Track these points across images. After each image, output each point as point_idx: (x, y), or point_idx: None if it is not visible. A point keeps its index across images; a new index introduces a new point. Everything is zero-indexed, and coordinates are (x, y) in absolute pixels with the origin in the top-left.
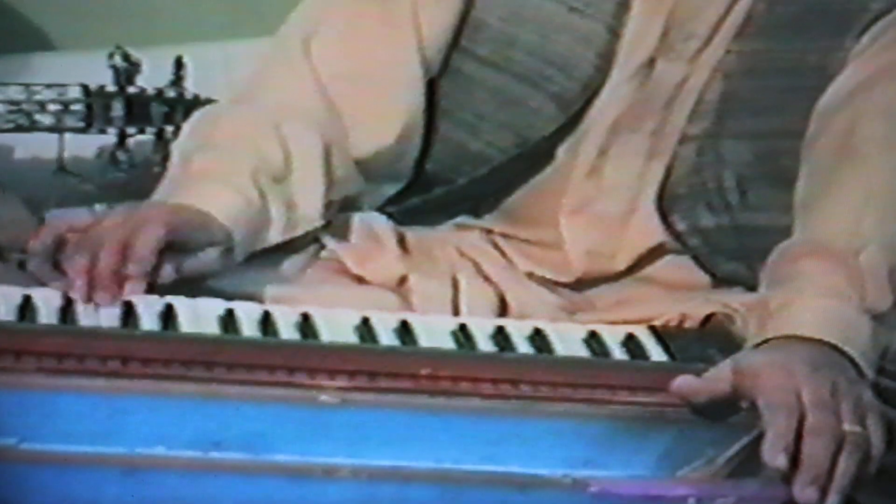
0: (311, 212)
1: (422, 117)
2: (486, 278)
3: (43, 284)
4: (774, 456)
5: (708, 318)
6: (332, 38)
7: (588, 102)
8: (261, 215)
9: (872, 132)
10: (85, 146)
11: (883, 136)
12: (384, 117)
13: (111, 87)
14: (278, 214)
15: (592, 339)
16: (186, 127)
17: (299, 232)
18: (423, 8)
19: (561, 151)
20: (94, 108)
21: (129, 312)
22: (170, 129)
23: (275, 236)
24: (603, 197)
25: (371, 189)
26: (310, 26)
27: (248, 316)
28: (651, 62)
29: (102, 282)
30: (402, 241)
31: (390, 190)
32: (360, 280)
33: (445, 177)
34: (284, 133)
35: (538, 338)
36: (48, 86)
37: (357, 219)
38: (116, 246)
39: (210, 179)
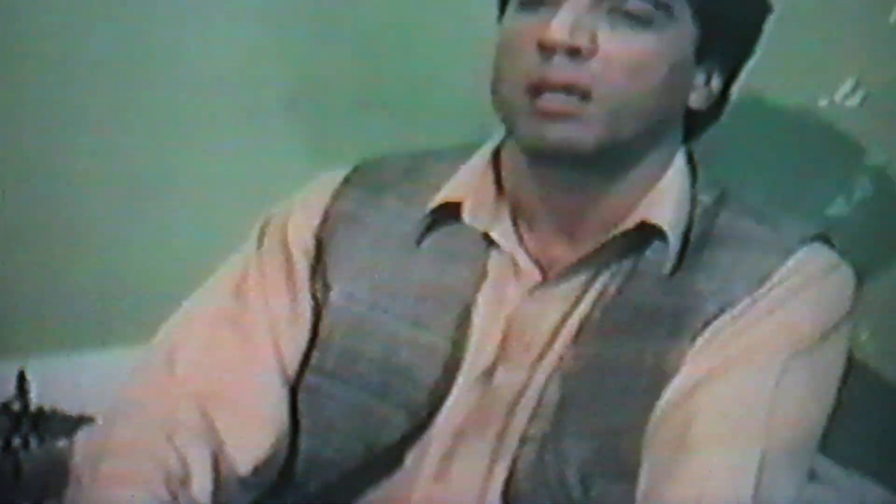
0: None
1: (288, 431)
2: None
3: None
4: None
5: None
6: (193, 361)
7: (434, 409)
8: None
9: (707, 429)
10: None
11: (718, 434)
12: (255, 436)
13: None
14: None
15: None
16: (83, 435)
17: None
18: (279, 330)
19: (409, 456)
20: None
21: None
22: (17, 440)
23: None
24: (450, 498)
25: (246, 498)
26: (172, 348)
27: None
28: (492, 370)
29: None
30: None
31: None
32: None
33: (297, 483)
34: (177, 444)
35: None
36: None
37: None
38: None
39: (123, 484)
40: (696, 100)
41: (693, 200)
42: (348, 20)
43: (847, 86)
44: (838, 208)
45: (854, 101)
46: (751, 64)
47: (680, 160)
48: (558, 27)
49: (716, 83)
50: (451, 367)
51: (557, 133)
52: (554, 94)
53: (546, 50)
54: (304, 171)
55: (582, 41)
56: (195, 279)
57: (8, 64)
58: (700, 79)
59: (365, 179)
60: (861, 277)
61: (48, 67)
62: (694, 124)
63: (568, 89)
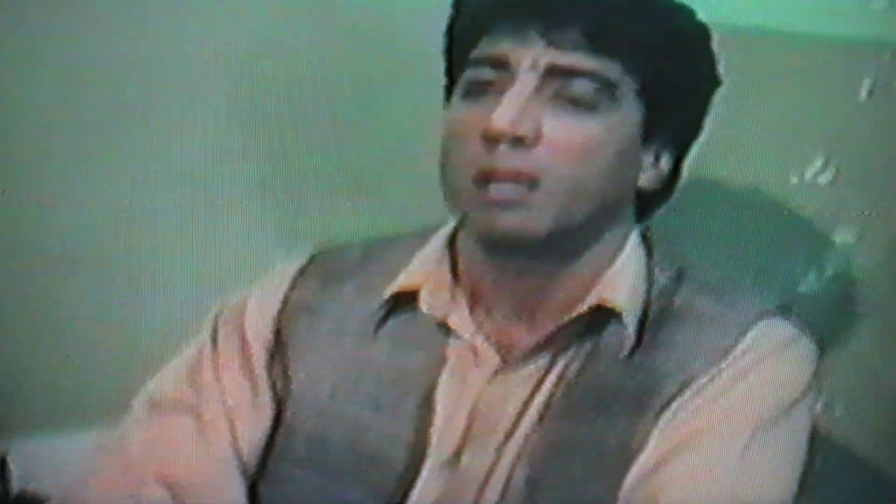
0: None
1: None
2: None
3: None
4: None
5: None
6: (151, 450)
7: (405, 494)
8: None
9: None
10: None
11: None
12: None
13: None
14: None
15: None
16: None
17: None
18: (236, 421)
19: None
20: None
21: None
22: None
23: None
24: None
25: None
26: (129, 439)
27: None
28: (458, 454)
29: None
30: None
31: None
32: None
33: None
34: None
35: None
36: None
37: None
38: None
39: None
40: (646, 180)
41: (650, 279)
42: (319, 103)
43: (818, 163)
44: (810, 285)
45: (825, 178)
46: (719, 141)
47: (634, 239)
48: (501, 117)
49: (665, 162)
50: (418, 452)
51: (507, 222)
52: (501, 183)
53: (490, 140)
54: (275, 254)
55: (525, 130)
56: (169, 361)
57: None
58: (648, 159)
59: (321, 268)
60: (823, 349)
61: (14, 157)
62: (646, 203)
63: (515, 178)
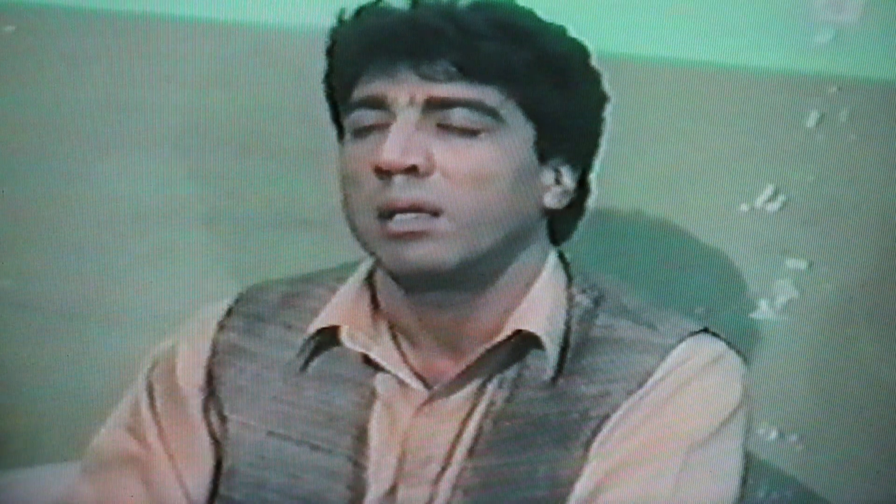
0: None
1: None
2: None
3: None
4: None
5: None
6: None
7: None
8: None
9: None
10: None
11: None
12: None
13: None
14: None
15: None
16: None
17: None
18: (184, 467)
19: None
20: None
21: None
22: None
23: None
24: None
25: None
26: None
27: None
28: (394, 489)
29: None
30: None
31: None
32: None
33: None
34: None
35: None
36: None
37: None
38: None
39: None
40: (551, 199)
41: (569, 304)
42: (267, 138)
43: (767, 191)
44: (762, 313)
45: (774, 206)
46: (672, 171)
47: (551, 263)
48: (389, 149)
49: (567, 180)
50: (358, 487)
51: (414, 253)
52: (402, 215)
53: (383, 174)
54: (226, 289)
55: (416, 159)
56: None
57: None
58: (548, 178)
59: (247, 309)
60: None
61: None
62: (559, 224)
63: (416, 209)
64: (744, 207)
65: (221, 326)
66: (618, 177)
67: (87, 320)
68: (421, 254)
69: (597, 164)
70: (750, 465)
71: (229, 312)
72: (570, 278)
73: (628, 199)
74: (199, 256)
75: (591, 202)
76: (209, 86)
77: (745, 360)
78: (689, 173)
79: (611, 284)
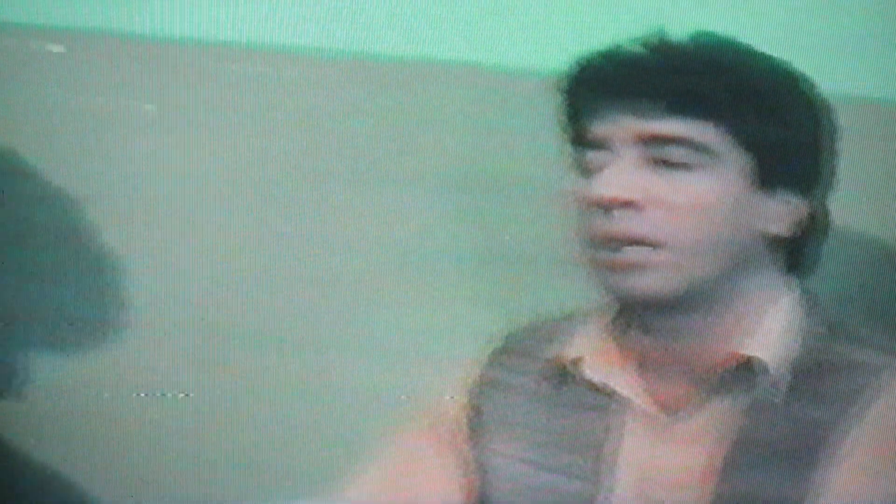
0: None
1: None
2: None
3: None
4: None
5: None
6: None
7: None
8: None
9: None
10: None
11: None
12: None
13: None
14: None
15: None
16: None
17: None
18: (451, 495)
19: None
20: None
21: None
22: None
23: None
24: None
25: None
26: None
27: None
28: None
29: None
30: None
31: None
32: None
33: None
34: None
35: None
36: None
37: None
38: None
39: None
40: (778, 227)
41: (804, 329)
42: (517, 179)
43: None
44: None
45: None
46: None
47: (786, 290)
48: (608, 185)
49: (796, 207)
50: None
51: (636, 284)
52: (625, 247)
53: (603, 207)
54: (486, 326)
55: (633, 194)
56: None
57: None
58: (772, 206)
59: (512, 346)
60: None
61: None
62: (797, 250)
63: (636, 241)
64: None
65: (490, 362)
66: None
67: (363, 354)
68: (642, 285)
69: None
70: None
71: (497, 350)
72: (808, 305)
73: None
74: (462, 293)
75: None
76: (469, 128)
77: None
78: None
79: (848, 312)
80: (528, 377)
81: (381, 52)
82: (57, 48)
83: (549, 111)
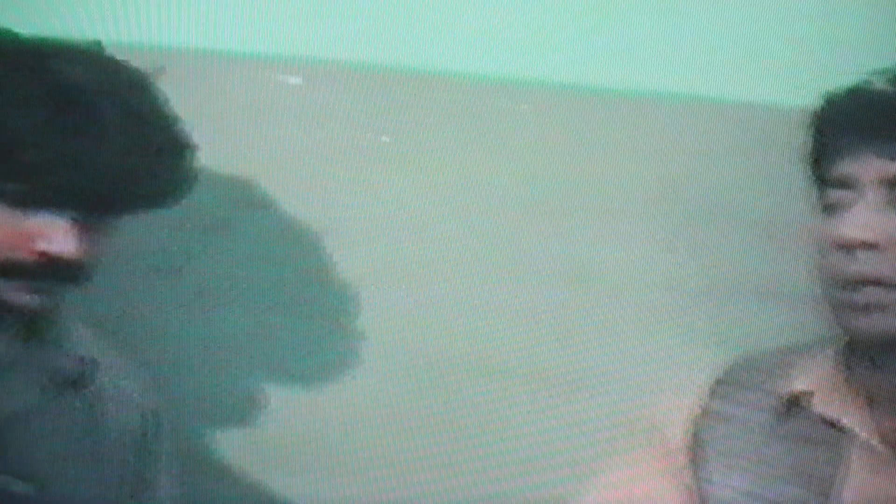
0: None
1: None
2: None
3: None
4: None
5: None
6: None
7: None
8: None
9: None
10: None
11: None
12: None
13: None
14: None
15: None
16: None
17: None
18: None
19: None
20: None
21: None
22: None
23: None
24: None
25: None
26: None
27: None
28: None
29: None
30: None
31: None
32: None
33: None
34: None
35: None
36: None
37: None
38: None
39: None
40: None
41: None
42: (738, 209)
43: None
44: None
45: None
46: None
47: None
48: (852, 226)
49: None
50: None
51: (871, 325)
52: (864, 287)
53: (845, 248)
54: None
55: (877, 236)
56: None
57: None
58: None
59: (735, 377)
60: None
61: None
62: None
63: (877, 282)
64: None
65: (713, 392)
66: None
67: (584, 386)
68: (879, 326)
69: None
70: None
71: (720, 381)
72: None
73: None
74: (680, 324)
75: None
76: (677, 158)
77: None
78: None
79: None
80: (750, 409)
81: (606, 84)
82: (294, 80)
83: (783, 145)
